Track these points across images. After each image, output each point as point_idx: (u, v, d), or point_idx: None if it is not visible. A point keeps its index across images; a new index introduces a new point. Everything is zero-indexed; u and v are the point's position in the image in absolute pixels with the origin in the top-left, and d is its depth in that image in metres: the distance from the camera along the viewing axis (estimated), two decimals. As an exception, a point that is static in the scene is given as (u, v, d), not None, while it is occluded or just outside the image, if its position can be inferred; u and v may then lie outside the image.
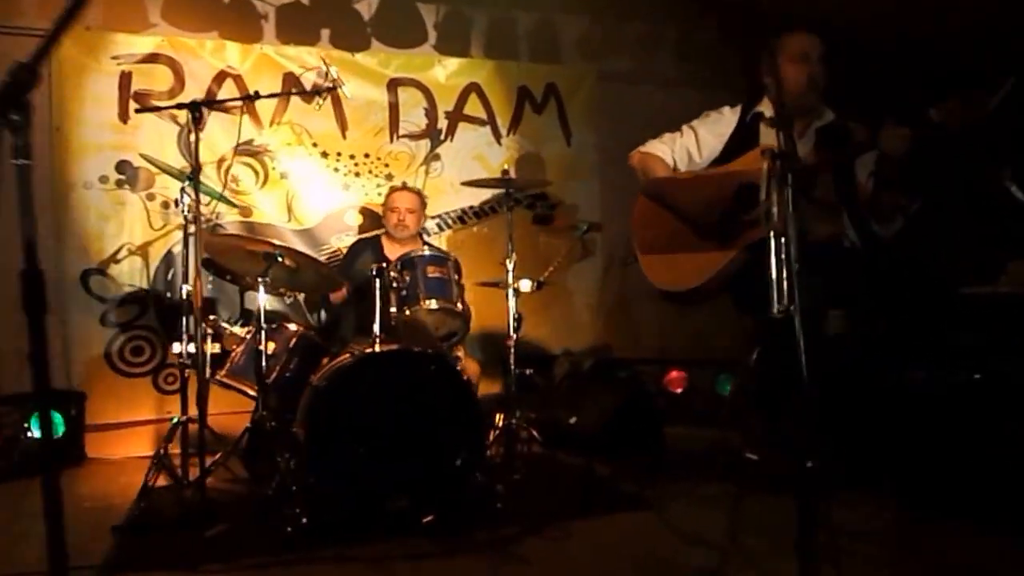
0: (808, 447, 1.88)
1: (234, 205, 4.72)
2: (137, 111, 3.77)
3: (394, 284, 3.31)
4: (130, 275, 4.58)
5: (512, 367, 3.54)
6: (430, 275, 3.39)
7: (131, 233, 4.61)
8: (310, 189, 4.87)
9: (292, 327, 3.58)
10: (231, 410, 3.90)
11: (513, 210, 3.82)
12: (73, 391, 4.37)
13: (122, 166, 4.60)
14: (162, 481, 3.33)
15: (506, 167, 3.80)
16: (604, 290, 5.44)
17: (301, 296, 4.68)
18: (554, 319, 5.27)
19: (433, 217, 5.12)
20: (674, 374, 4.95)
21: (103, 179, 4.56)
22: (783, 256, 1.93)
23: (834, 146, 2.95)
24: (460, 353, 3.67)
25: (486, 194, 5.09)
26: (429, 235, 5.01)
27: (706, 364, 4.91)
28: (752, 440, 3.35)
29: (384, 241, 4.29)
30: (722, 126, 3.30)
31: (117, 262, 4.58)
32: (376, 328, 3.13)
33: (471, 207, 5.23)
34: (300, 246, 4.68)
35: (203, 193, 4.13)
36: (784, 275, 1.93)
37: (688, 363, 4.97)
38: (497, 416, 3.62)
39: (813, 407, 1.88)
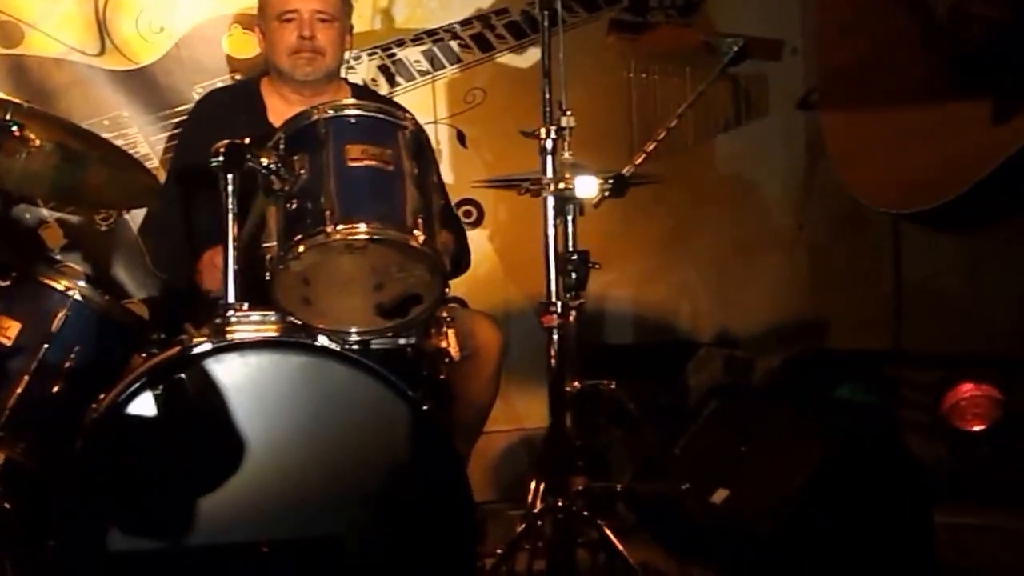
0: None
1: None
2: None
3: (274, 184, 1.87)
4: None
5: (557, 373, 2.07)
6: (353, 161, 1.86)
7: None
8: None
9: (60, 284, 2.17)
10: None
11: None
12: None
13: None
14: None
15: None
16: (807, 196, 3.36)
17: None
18: (693, 269, 3.31)
19: (415, 39, 3.01)
20: (967, 389, 3.10)
21: None
22: None
23: None
24: (446, 343, 2.03)
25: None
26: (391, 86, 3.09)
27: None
28: None
29: (267, 94, 2.58)
30: None
31: None
32: (229, 289, 1.87)
33: (503, 10, 2.99)
34: (126, 103, 2.87)
35: None
36: None
37: (1002, 367, 3.08)
38: (532, 485, 2.30)
39: None
